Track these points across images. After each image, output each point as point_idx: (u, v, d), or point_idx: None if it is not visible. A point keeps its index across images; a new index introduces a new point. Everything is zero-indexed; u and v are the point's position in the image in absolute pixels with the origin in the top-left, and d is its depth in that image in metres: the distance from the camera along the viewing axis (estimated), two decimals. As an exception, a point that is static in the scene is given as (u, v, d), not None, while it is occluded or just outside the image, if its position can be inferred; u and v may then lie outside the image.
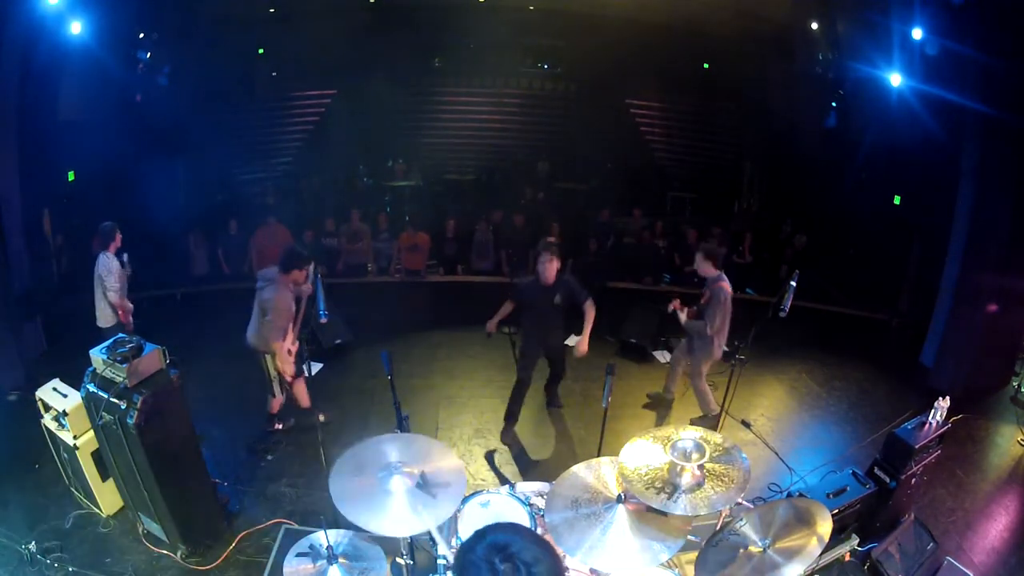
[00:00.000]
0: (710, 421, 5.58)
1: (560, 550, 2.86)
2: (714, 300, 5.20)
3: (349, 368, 6.65)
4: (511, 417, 5.49)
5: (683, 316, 5.40)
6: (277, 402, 5.27)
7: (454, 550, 3.28)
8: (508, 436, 5.49)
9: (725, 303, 5.21)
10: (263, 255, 8.74)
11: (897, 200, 8.27)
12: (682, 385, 6.00)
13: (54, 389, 4.32)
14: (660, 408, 6.02)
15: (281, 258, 4.86)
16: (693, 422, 5.71)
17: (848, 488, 4.02)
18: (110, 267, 5.44)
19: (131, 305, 5.73)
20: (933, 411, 4.14)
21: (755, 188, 11.46)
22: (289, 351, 4.96)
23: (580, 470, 3.17)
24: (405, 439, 3.17)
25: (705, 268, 5.29)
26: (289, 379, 5.10)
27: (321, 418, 5.34)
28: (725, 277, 5.29)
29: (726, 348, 7.05)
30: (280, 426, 5.43)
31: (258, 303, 4.90)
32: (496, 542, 1.41)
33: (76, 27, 6.51)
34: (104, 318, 5.60)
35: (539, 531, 3.32)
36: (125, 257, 5.68)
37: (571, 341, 7.30)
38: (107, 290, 5.45)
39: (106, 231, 5.49)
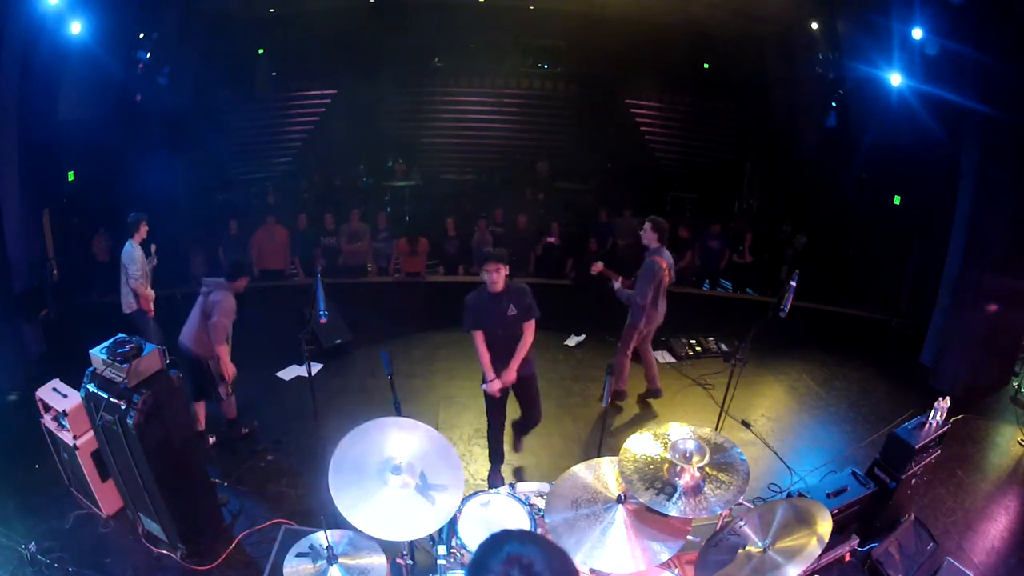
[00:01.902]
0: (616, 396, 5.90)
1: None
2: (646, 271, 5.40)
3: (349, 368, 6.65)
4: (496, 458, 4.95)
5: (616, 284, 5.53)
6: (230, 404, 5.31)
7: (454, 550, 3.28)
8: (497, 479, 4.91)
9: (656, 275, 5.40)
10: (262, 254, 8.76)
11: (897, 200, 8.27)
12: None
13: (54, 389, 4.32)
14: (654, 403, 6.06)
15: (227, 268, 5.11)
16: (606, 405, 5.35)
17: (848, 488, 4.02)
18: (133, 256, 5.69)
19: (152, 293, 5.91)
20: (933, 411, 4.14)
21: (755, 188, 11.46)
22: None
23: (580, 470, 3.17)
24: (405, 425, 3.12)
25: (648, 237, 5.48)
26: (229, 380, 5.09)
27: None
28: (665, 253, 5.50)
29: (726, 348, 7.11)
30: (247, 430, 5.45)
31: (202, 307, 4.94)
32: (519, 556, 1.27)
33: (76, 27, 6.51)
34: (127, 304, 5.86)
35: (539, 531, 3.32)
36: (152, 249, 6.00)
37: (571, 342, 7.33)
38: (129, 277, 5.71)
39: (131, 221, 5.73)
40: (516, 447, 5.16)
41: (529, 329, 4.48)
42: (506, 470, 5.11)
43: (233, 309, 4.91)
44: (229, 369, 4.98)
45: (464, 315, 4.47)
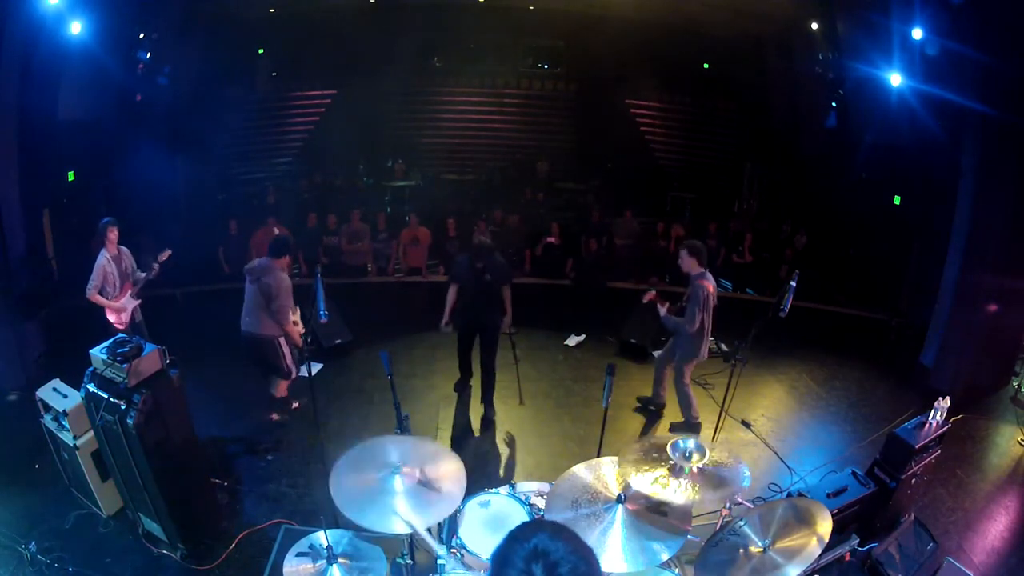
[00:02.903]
0: (691, 428, 5.55)
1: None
2: (693, 297, 5.20)
3: (349, 368, 6.65)
4: (464, 371, 6.08)
5: (663, 310, 5.39)
6: (284, 385, 5.44)
7: (454, 551, 3.27)
8: (461, 387, 6.12)
9: (705, 301, 5.17)
10: (262, 254, 8.73)
11: (897, 200, 8.27)
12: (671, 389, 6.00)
13: (54, 389, 4.32)
14: (651, 413, 5.99)
15: (271, 246, 5.26)
16: (673, 428, 5.69)
17: (848, 488, 4.02)
18: (96, 264, 5.56)
19: (121, 305, 5.74)
20: (933, 411, 4.14)
21: (755, 188, 11.46)
22: (295, 322, 5.26)
23: (580, 470, 3.17)
24: (406, 442, 3.15)
25: (689, 264, 5.28)
26: (300, 346, 5.26)
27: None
28: (709, 276, 5.27)
29: (726, 348, 7.11)
30: (291, 408, 5.57)
31: (257, 293, 5.08)
32: (546, 552, 1.18)
33: (76, 27, 6.50)
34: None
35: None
36: (161, 257, 5.90)
37: (571, 342, 7.33)
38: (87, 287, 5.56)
39: (99, 228, 5.62)
40: (487, 414, 5.76)
41: (507, 292, 5.57)
42: (505, 469, 5.12)
43: (290, 286, 5.14)
44: (299, 339, 5.22)
45: (450, 269, 5.70)
